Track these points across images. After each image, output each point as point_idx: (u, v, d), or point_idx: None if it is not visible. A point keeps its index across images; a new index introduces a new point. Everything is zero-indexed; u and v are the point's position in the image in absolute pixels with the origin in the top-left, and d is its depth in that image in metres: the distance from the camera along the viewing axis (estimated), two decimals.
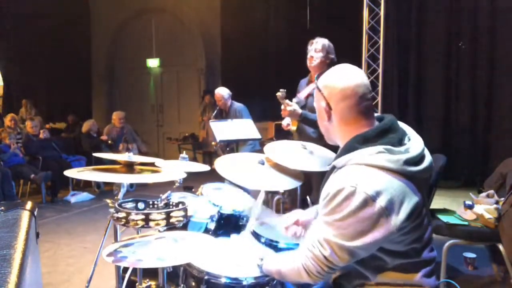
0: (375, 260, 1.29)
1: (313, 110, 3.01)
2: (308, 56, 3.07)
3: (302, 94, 3.15)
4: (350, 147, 1.29)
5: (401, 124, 1.39)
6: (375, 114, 1.39)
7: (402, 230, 1.20)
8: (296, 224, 1.68)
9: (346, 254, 1.21)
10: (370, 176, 1.19)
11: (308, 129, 3.03)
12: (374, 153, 1.22)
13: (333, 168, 1.34)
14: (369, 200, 1.15)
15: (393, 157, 1.22)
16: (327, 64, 3.02)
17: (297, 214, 1.72)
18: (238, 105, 5.28)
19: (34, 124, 6.21)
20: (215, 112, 5.25)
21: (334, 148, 1.64)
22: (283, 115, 2.94)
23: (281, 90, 2.92)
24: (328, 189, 1.25)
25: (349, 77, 1.33)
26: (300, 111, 2.90)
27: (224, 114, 5.35)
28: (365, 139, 1.28)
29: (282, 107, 2.93)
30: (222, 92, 5.24)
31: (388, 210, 1.16)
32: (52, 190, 5.91)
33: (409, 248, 1.26)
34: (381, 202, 1.15)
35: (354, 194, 1.16)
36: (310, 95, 3.06)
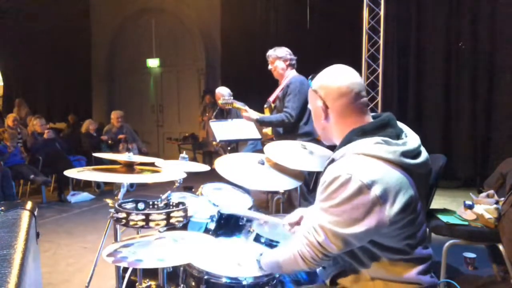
0: (369, 255, 1.30)
1: (279, 111, 3.36)
2: (269, 69, 3.47)
3: (271, 98, 3.50)
4: (348, 139, 1.31)
5: (398, 123, 1.40)
6: (373, 113, 1.41)
7: (396, 224, 1.20)
8: (299, 222, 1.68)
9: (339, 241, 1.22)
10: (367, 165, 1.21)
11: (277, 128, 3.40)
12: (372, 144, 1.24)
13: (332, 160, 1.36)
14: (364, 188, 1.16)
15: (391, 148, 1.23)
16: (286, 65, 3.40)
17: (301, 212, 1.72)
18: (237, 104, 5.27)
19: (42, 123, 6.25)
20: (216, 111, 5.25)
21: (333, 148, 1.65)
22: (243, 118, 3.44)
23: (223, 98, 3.41)
24: (325, 177, 1.26)
25: (344, 75, 1.37)
26: (255, 116, 3.35)
27: (225, 113, 5.35)
28: (363, 131, 1.30)
29: (240, 112, 3.47)
30: (223, 91, 5.25)
31: (382, 199, 1.17)
32: (59, 190, 5.93)
33: (403, 244, 1.27)
34: (376, 190, 1.16)
35: (349, 182, 1.18)
36: (278, 98, 3.42)
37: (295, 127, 3.26)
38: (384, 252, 1.28)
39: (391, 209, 1.18)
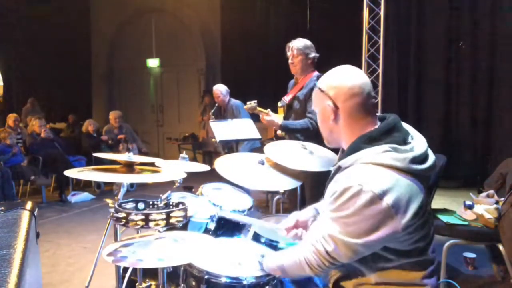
0: (376, 259, 1.29)
1: (298, 113, 3.05)
2: (289, 62, 3.05)
3: (287, 97, 3.15)
4: (356, 147, 1.29)
5: (404, 124, 1.39)
6: (378, 115, 1.40)
7: (408, 229, 1.20)
8: (296, 226, 1.67)
9: (349, 251, 1.21)
10: (377, 175, 1.20)
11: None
12: (381, 152, 1.23)
13: (339, 168, 1.34)
14: (376, 199, 1.16)
15: (400, 155, 1.22)
16: (309, 64, 3.02)
17: (296, 215, 1.71)
18: (235, 101, 5.42)
19: (41, 123, 6.28)
20: (214, 109, 5.29)
21: (333, 148, 1.64)
22: (263, 123, 3.01)
23: (248, 102, 3.00)
24: (334, 187, 1.25)
25: (354, 75, 1.34)
26: (279, 122, 2.93)
27: (222, 110, 5.42)
28: (370, 138, 1.29)
29: (260, 116, 2.98)
30: (221, 88, 5.43)
31: (394, 209, 1.16)
32: (60, 190, 5.94)
33: (413, 247, 1.26)
34: (388, 200, 1.16)
35: (361, 192, 1.17)
36: (295, 97, 3.07)
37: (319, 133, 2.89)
38: (394, 255, 1.27)
39: (404, 218, 1.17)
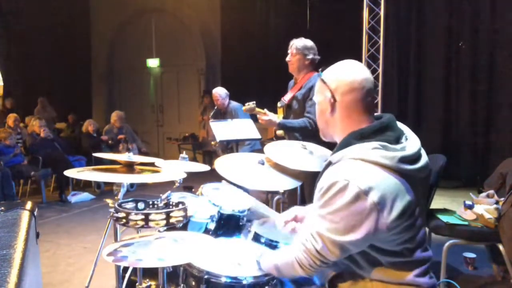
0: (367, 258, 1.29)
1: (297, 113, 3.06)
2: (286, 59, 3.06)
3: (286, 97, 3.16)
4: (346, 143, 1.30)
5: (399, 124, 1.39)
6: (375, 114, 1.40)
7: (394, 229, 1.20)
8: (295, 220, 1.67)
9: (337, 249, 1.21)
10: (364, 171, 1.20)
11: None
12: (370, 149, 1.23)
13: (329, 163, 1.34)
14: (361, 194, 1.15)
15: (388, 153, 1.22)
16: (306, 65, 3.03)
17: (296, 210, 1.71)
18: (234, 104, 5.43)
19: (42, 124, 6.29)
20: (214, 111, 5.31)
21: (332, 147, 1.64)
22: (261, 123, 3.04)
23: (247, 103, 3.02)
24: (322, 183, 1.25)
25: (357, 71, 1.34)
26: (277, 120, 2.97)
27: (221, 113, 5.44)
28: (362, 135, 1.29)
29: (258, 116, 3.00)
30: (220, 91, 5.44)
31: (380, 206, 1.16)
32: (60, 190, 5.94)
33: (401, 247, 1.26)
34: (373, 197, 1.15)
35: (347, 188, 1.17)
36: (294, 98, 3.08)
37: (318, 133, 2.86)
38: (382, 255, 1.27)
39: (389, 216, 1.17)
